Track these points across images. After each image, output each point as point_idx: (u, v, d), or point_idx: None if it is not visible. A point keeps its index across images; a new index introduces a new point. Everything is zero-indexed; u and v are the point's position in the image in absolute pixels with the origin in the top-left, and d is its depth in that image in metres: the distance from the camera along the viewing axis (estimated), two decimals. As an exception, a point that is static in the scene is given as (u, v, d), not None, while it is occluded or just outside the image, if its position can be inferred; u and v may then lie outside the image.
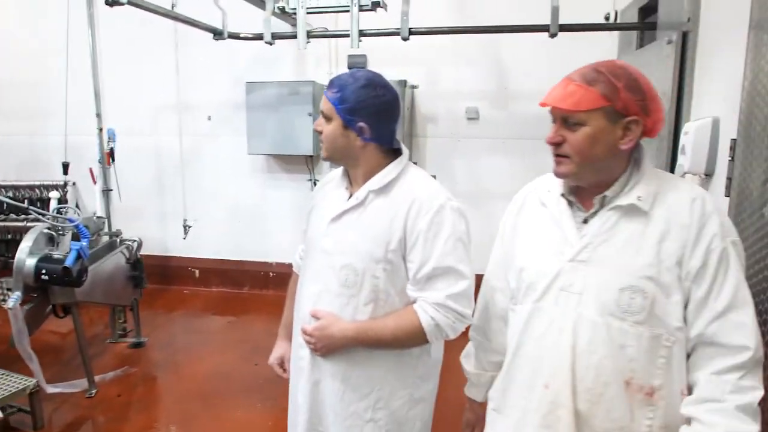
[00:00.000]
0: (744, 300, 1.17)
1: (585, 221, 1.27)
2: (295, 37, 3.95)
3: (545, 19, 3.51)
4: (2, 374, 3.01)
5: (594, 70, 1.20)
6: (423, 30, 3.82)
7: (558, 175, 1.27)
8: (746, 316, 1.16)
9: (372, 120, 1.50)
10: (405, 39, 3.76)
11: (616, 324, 1.19)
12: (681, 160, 2.32)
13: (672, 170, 2.56)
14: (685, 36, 2.55)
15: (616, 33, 4.02)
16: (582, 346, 1.22)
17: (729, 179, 1.95)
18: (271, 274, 5.28)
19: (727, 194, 1.96)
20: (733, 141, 1.91)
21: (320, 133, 1.55)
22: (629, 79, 1.18)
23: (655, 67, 2.87)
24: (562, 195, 1.32)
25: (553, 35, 3.54)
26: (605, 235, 1.23)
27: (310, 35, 3.99)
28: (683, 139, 2.31)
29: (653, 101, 1.20)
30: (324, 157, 1.58)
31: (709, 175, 2.23)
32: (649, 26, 3.27)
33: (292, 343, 1.73)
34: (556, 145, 1.24)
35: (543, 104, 1.24)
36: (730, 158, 1.94)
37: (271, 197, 5.18)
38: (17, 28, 5.30)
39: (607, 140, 1.19)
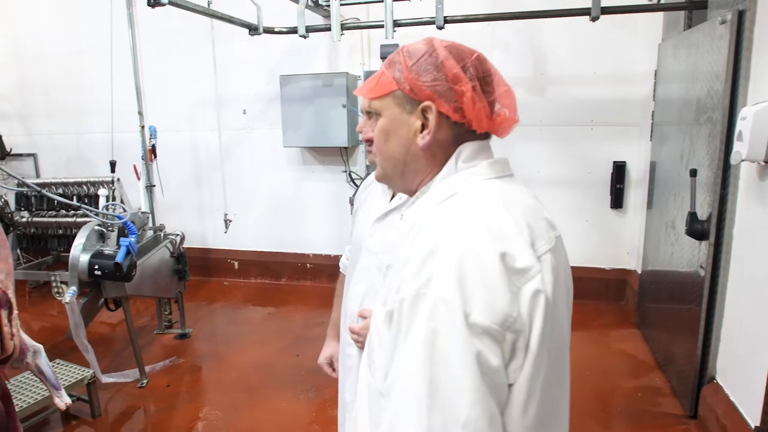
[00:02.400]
0: (403, 390, 0.77)
1: None
2: (328, 29, 3.94)
3: (585, 2, 3.41)
4: (62, 365, 3.13)
5: (397, 51, 1.02)
6: (458, 18, 3.76)
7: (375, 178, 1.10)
8: (389, 412, 0.80)
9: None
10: (440, 28, 3.71)
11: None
12: (737, 146, 2.24)
13: (726, 158, 2.46)
14: (741, 15, 2.44)
15: (660, 13, 3.88)
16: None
17: (792, 167, 1.86)
18: (308, 265, 5.34)
19: (790, 182, 1.87)
20: (797, 126, 1.83)
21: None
22: (426, 55, 0.96)
23: (706, 49, 2.76)
24: None
25: (594, 18, 3.43)
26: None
27: (344, 27, 3.97)
28: (740, 125, 2.22)
29: (460, 83, 0.92)
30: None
31: (768, 162, 2.15)
32: (698, 5, 3.15)
33: (340, 341, 1.74)
34: (369, 143, 1.07)
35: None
36: (793, 145, 1.85)
37: (307, 189, 5.22)
38: (62, 30, 5.46)
39: (401, 134, 0.98)
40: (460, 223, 0.84)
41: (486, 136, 1.01)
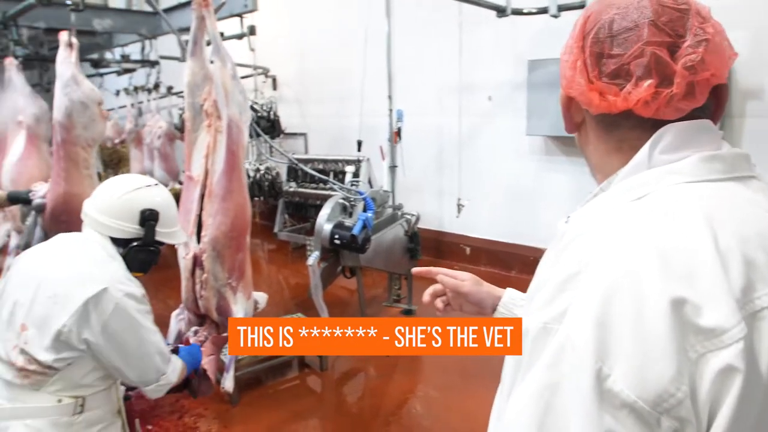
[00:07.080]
0: None
1: None
2: (583, 6, 3.60)
3: None
4: (301, 318, 3.56)
5: None
6: None
7: None
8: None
9: None
10: None
11: None
12: None
13: None
14: None
15: None
16: None
17: None
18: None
19: None
20: None
21: None
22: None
23: None
24: None
25: None
26: None
27: (603, 3, 3.59)
28: None
29: (565, 53, 0.75)
30: None
31: None
32: None
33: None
34: None
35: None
36: None
37: (548, 180, 4.95)
38: (332, 26, 6.19)
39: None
40: (623, 241, 0.59)
41: (699, 113, 0.68)
